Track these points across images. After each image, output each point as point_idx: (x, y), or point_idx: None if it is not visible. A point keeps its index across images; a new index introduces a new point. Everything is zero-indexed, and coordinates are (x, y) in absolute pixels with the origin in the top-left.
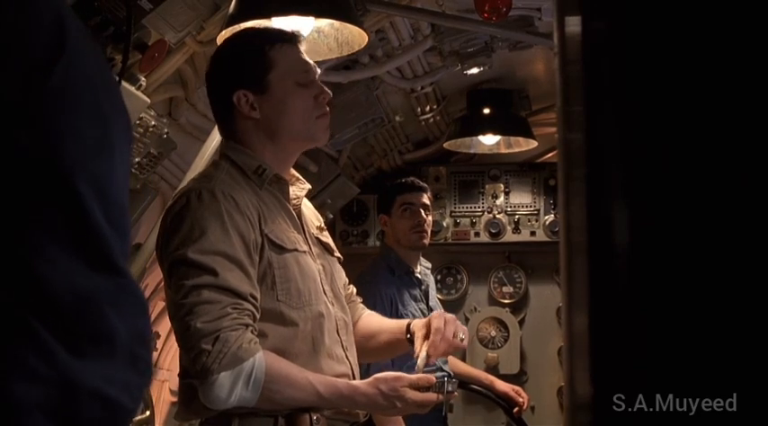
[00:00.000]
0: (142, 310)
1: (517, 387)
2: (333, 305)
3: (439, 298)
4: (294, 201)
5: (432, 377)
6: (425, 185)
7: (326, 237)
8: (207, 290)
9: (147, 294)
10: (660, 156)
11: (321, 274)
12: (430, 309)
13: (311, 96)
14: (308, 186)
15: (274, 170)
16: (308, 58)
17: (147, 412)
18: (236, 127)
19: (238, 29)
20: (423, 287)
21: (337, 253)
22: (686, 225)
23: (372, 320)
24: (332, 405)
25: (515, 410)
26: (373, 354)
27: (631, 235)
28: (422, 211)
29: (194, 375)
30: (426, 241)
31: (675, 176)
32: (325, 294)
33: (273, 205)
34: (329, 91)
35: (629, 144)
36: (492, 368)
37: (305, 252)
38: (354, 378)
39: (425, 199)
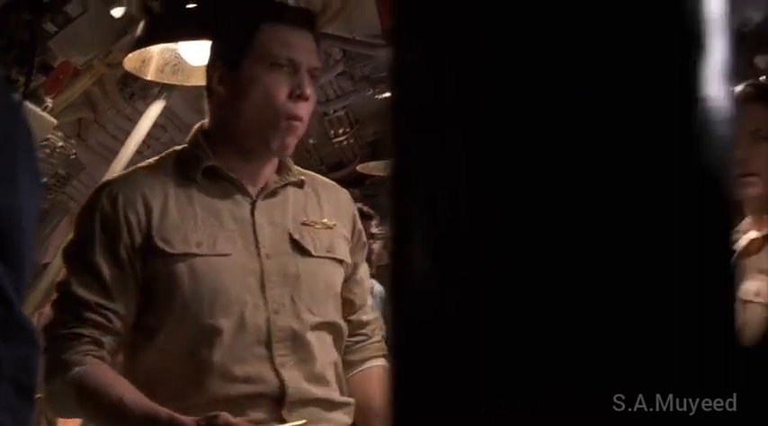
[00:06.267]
0: (29, 340)
1: None
2: (277, 313)
3: None
4: (262, 195)
5: None
6: (372, 212)
7: (311, 233)
8: (59, 292)
9: None
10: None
11: (266, 277)
12: None
13: (285, 86)
14: (294, 178)
15: (215, 161)
16: (301, 45)
17: None
18: (210, 95)
19: (146, 53)
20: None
21: (322, 253)
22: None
23: (370, 386)
24: None
25: None
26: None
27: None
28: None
29: None
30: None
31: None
32: (265, 300)
33: (203, 200)
34: (310, 92)
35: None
36: None
37: (226, 255)
38: (283, 399)
39: (373, 228)
